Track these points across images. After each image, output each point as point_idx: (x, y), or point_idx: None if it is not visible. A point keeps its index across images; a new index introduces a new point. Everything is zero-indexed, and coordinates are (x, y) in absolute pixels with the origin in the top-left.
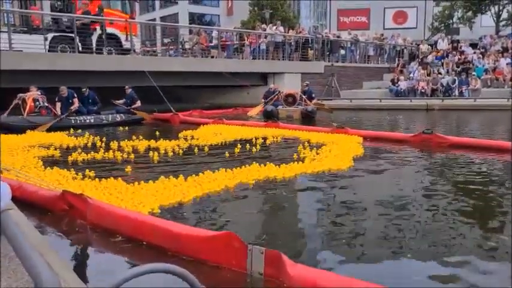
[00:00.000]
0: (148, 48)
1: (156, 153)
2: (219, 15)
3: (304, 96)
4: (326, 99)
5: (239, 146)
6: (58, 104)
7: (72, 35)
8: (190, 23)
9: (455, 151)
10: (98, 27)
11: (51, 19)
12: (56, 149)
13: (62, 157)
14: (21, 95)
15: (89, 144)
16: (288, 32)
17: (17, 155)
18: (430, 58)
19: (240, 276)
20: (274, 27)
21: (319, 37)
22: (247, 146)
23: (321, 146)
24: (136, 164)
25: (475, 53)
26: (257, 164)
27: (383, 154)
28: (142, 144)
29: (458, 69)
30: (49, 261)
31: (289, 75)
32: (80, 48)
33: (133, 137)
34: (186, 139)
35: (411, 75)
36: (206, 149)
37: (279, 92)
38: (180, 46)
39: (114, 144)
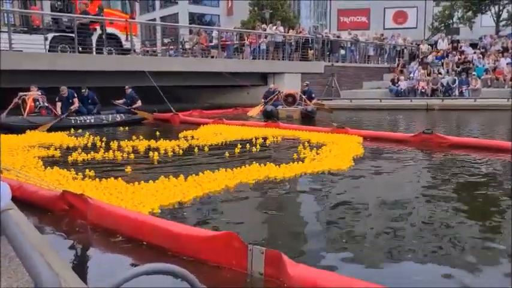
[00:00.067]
0: (148, 48)
1: (156, 153)
2: (219, 15)
3: (304, 96)
4: (326, 99)
5: (239, 146)
6: (58, 104)
7: (73, 35)
8: (190, 23)
9: (456, 151)
10: (98, 27)
11: (51, 19)
12: (56, 149)
13: (62, 157)
14: (22, 93)
15: (89, 144)
16: (288, 32)
17: (17, 155)
18: (430, 58)
19: (240, 276)
20: (274, 27)
21: (319, 37)
22: (247, 146)
23: (321, 146)
24: (136, 164)
25: (475, 53)
26: (257, 164)
27: (383, 154)
28: (142, 144)
29: (459, 69)
30: (49, 261)
31: (289, 75)
32: (80, 49)
33: (134, 137)
34: (186, 139)
35: (411, 75)
36: (206, 149)
37: (279, 92)
38: (180, 46)
39: (114, 144)
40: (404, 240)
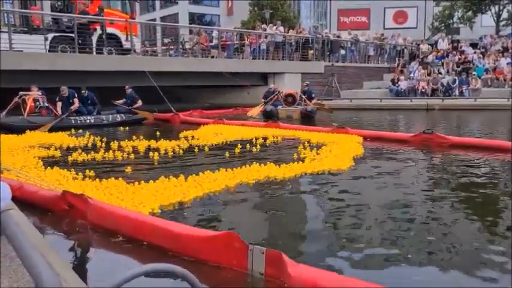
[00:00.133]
0: (148, 48)
1: (156, 154)
2: (219, 15)
3: (304, 96)
4: (326, 99)
5: (239, 146)
6: (59, 104)
7: (73, 35)
8: (190, 23)
9: (456, 151)
10: (98, 27)
11: (51, 19)
12: (56, 149)
13: (62, 157)
14: (22, 92)
15: (89, 145)
16: (288, 32)
17: (17, 155)
18: (430, 58)
19: (241, 276)
20: (275, 27)
21: (319, 37)
22: (248, 146)
23: (321, 146)
24: (136, 164)
25: (475, 52)
26: (257, 164)
27: (383, 154)
28: (142, 144)
29: (459, 69)
30: (49, 261)
31: (289, 75)
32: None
33: (134, 137)
34: (186, 139)
35: (411, 75)
36: (206, 149)
37: (279, 92)
38: (180, 46)
39: (114, 145)
40: (404, 240)
